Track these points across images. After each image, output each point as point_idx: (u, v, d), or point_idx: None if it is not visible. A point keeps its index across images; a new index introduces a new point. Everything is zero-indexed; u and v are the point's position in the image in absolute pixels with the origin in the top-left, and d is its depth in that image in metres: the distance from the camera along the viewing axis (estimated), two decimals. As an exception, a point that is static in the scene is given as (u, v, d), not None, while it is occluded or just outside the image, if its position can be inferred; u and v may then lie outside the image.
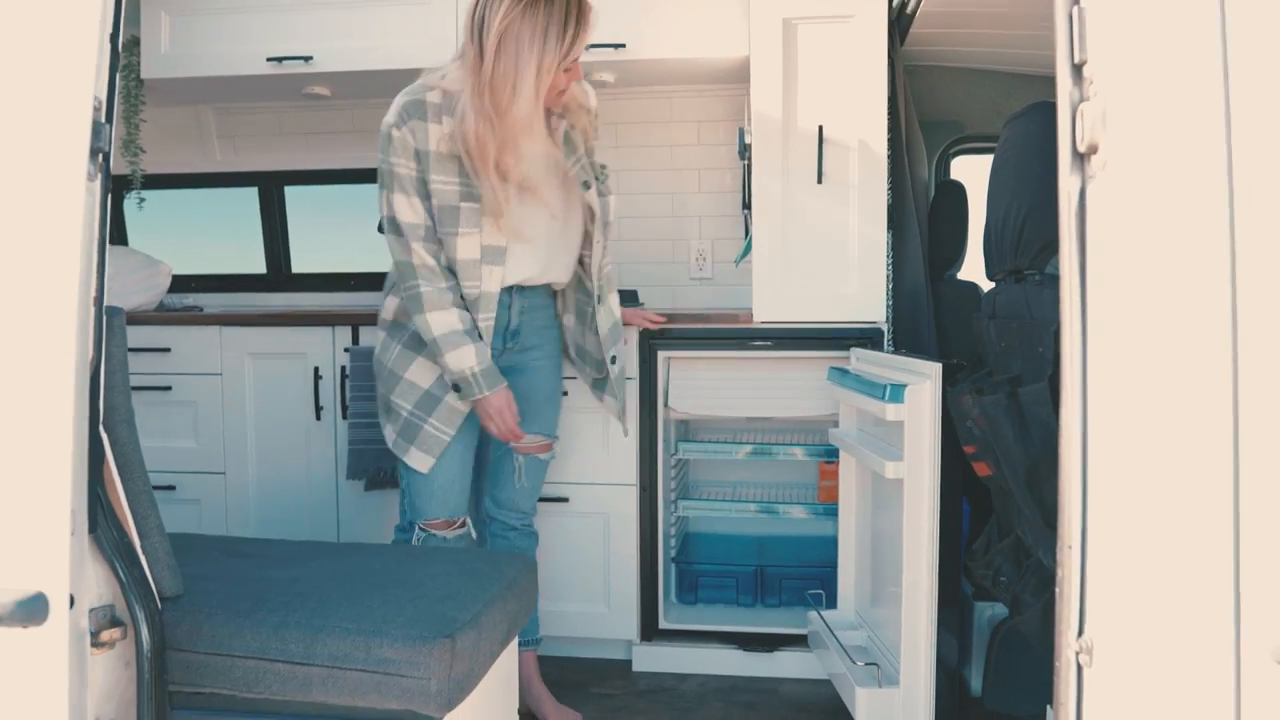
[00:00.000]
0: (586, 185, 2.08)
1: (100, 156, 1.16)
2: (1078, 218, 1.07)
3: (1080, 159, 1.07)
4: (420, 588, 1.41)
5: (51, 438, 1.09)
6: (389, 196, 1.97)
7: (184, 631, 1.33)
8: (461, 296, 2.02)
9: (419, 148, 1.94)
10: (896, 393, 1.90)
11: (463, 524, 2.13)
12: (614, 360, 2.24)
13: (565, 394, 2.53)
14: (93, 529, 1.23)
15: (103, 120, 1.16)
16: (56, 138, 1.11)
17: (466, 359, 1.98)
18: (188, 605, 1.35)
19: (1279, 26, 0.99)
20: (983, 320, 1.73)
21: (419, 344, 2.05)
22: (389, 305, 2.12)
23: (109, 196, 1.20)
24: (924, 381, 1.88)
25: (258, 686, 1.31)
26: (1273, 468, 0.98)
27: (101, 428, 1.27)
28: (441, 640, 1.27)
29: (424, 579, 1.45)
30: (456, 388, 2.02)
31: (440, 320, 1.97)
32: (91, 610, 1.23)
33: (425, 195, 1.96)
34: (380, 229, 2.07)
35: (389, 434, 2.11)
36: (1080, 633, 1.06)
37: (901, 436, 1.92)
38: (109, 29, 1.16)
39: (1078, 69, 1.06)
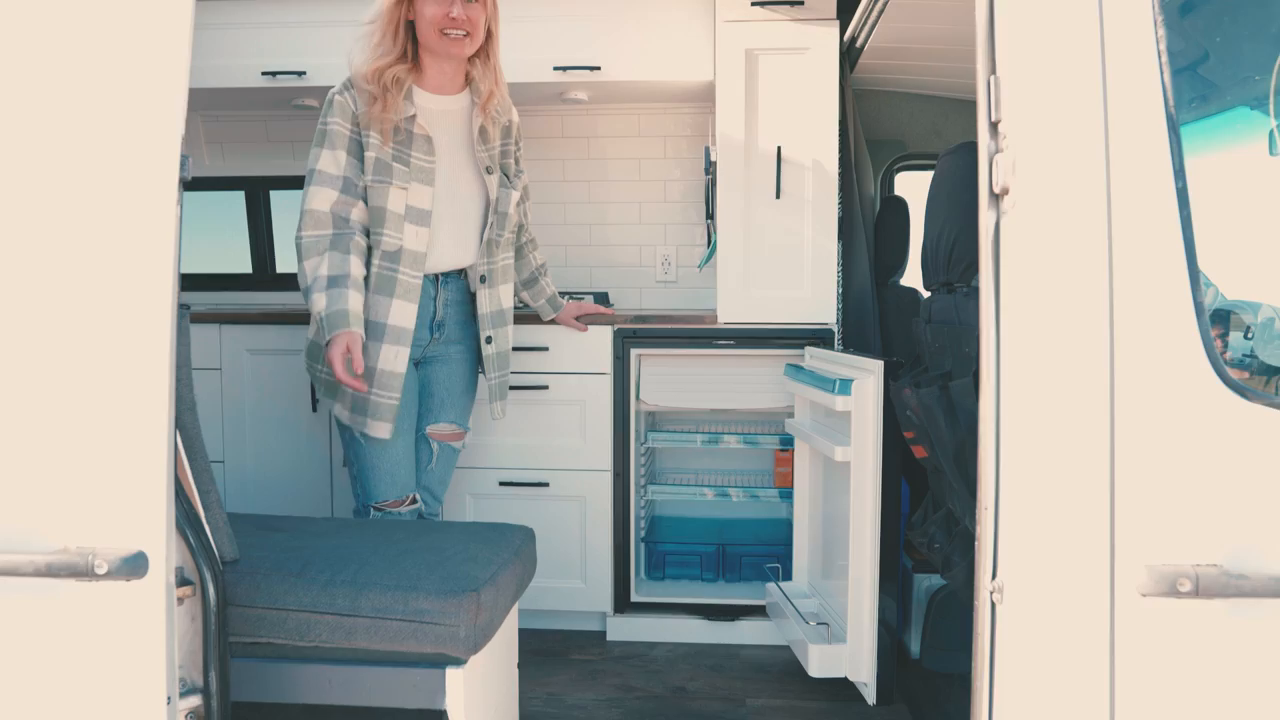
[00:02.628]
0: (489, 170, 2.30)
1: (182, 185, 1.37)
2: (993, 245, 1.33)
3: (996, 198, 1.33)
4: (444, 552, 1.64)
5: (151, 420, 1.30)
6: (315, 151, 2.19)
7: (243, 590, 1.54)
8: (371, 249, 2.19)
9: (356, 112, 2.17)
10: (845, 386, 2.18)
11: (413, 500, 2.31)
12: (489, 341, 2.38)
13: (546, 388, 2.77)
14: (170, 501, 1.43)
15: (185, 153, 1.36)
16: (155, 170, 1.32)
17: (318, 304, 2.12)
18: (245, 568, 1.56)
19: (1147, 104, 1.28)
20: (920, 324, 2.01)
21: None
22: None
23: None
24: (868, 377, 2.16)
25: (309, 636, 1.52)
26: (1138, 442, 1.26)
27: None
28: (469, 594, 1.50)
29: (446, 545, 1.68)
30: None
31: (310, 266, 2.14)
32: (170, 570, 1.43)
33: (356, 155, 2.18)
34: None
35: (340, 411, 2.24)
36: (994, 576, 1.33)
37: (849, 425, 2.20)
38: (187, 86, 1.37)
39: (994, 126, 1.33)
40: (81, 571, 1.27)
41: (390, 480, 2.26)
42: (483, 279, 2.35)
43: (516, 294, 2.62)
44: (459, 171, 2.29)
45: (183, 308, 1.37)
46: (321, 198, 2.17)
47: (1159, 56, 1.30)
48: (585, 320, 2.75)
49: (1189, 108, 1.39)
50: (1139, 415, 1.27)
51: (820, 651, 2.22)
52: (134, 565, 1.28)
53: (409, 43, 2.23)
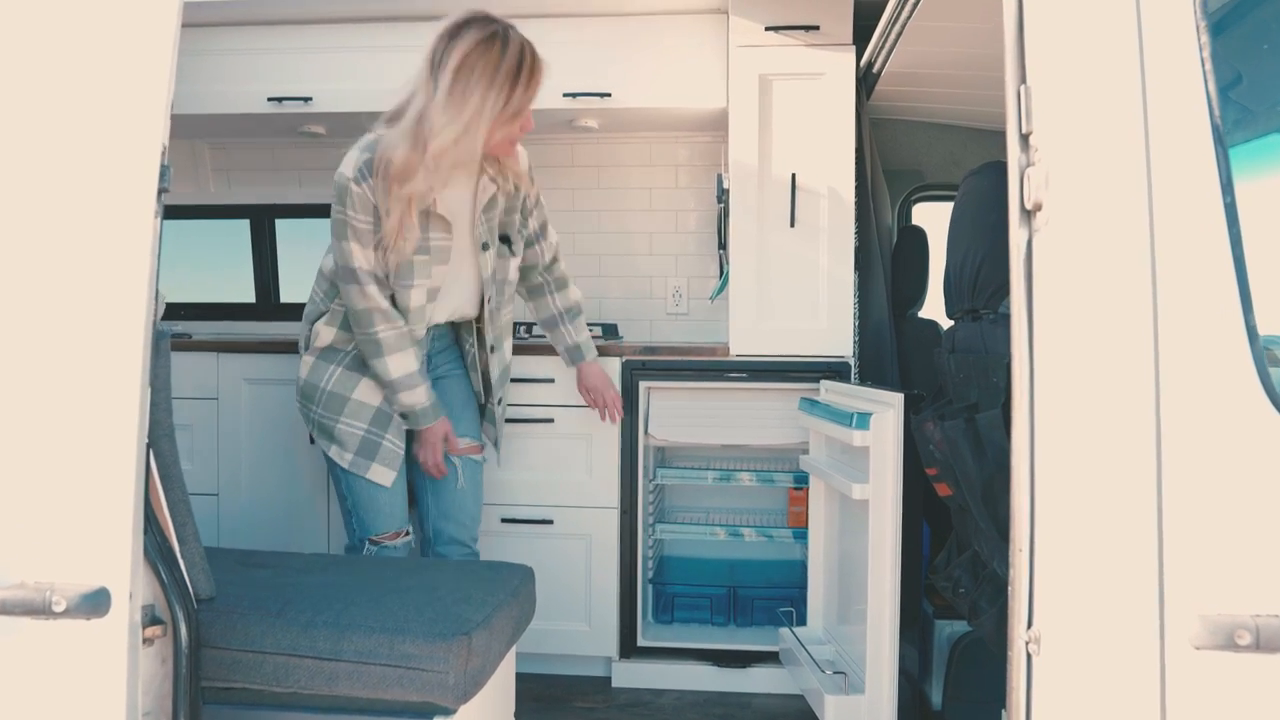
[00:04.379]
0: (485, 247, 2.20)
1: (162, 195, 1.29)
2: (1025, 266, 1.24)
3: (1027, 215, 1.24)
4: (435, 592, 1.54)
5: (118, 446, 1.21)
6: (345, 245, 2.07)
7: (218, 630, 1.43)
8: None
9: (377, 205, 2.04)
10: (863, 420, 2.07)
11: (407, 533, 2.28)
12: (500, 401, 2.39)
13: (551, 421, 2.67)
14: (141, 533, 1.34)
15: (166, 163, 1.29)
16: (132, 180, 1.24)
17: (419, 396, 2.17)
18: (221, 606, 1.46)
19: (1190, 112, 1.19)
20: (943, 354, 1.91)
21: (360, 366, 2.19)
22: (321, 333, 2.22)
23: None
24: (888, 410, 2.05)
25: (286, 681, 1.41)
26: (1189, 479, 1.15)
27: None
28: (459, 638, 1.39)
29: (438, 584, 1.58)
30: (403, 415, 2.20)
31: (398, 363, 2.14)
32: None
33: (380, 247, 2.08)
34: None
35: (342, 456, 2.19)
36: (1030, 625, 1.21)
37: (867, 462, 2.09)
38: (172, 90, 1.30)
39: (1025, 138, 1.24)
40: (38, 609, 1.18)
41: (390, 513, 2.23)
42: (491, 348, 2.32)
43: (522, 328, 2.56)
44: (465, 245, 2.21)
45: (181, 335, 1.31)
46: (376, 294, 2.10)
47: (1202, 64, 1.22)
48: (593, 394, 2.57)
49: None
50: (1189, 449, 1.16)
51: (836, 702, 2.09)
52: (95, 602, 1.18)
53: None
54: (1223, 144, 1.20)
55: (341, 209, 2.06)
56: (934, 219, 3.10)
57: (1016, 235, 1.24)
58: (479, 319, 2.29)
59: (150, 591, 1.37)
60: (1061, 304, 1.20)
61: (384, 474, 2.20)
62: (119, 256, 1.23)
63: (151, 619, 1.37)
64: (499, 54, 1.96)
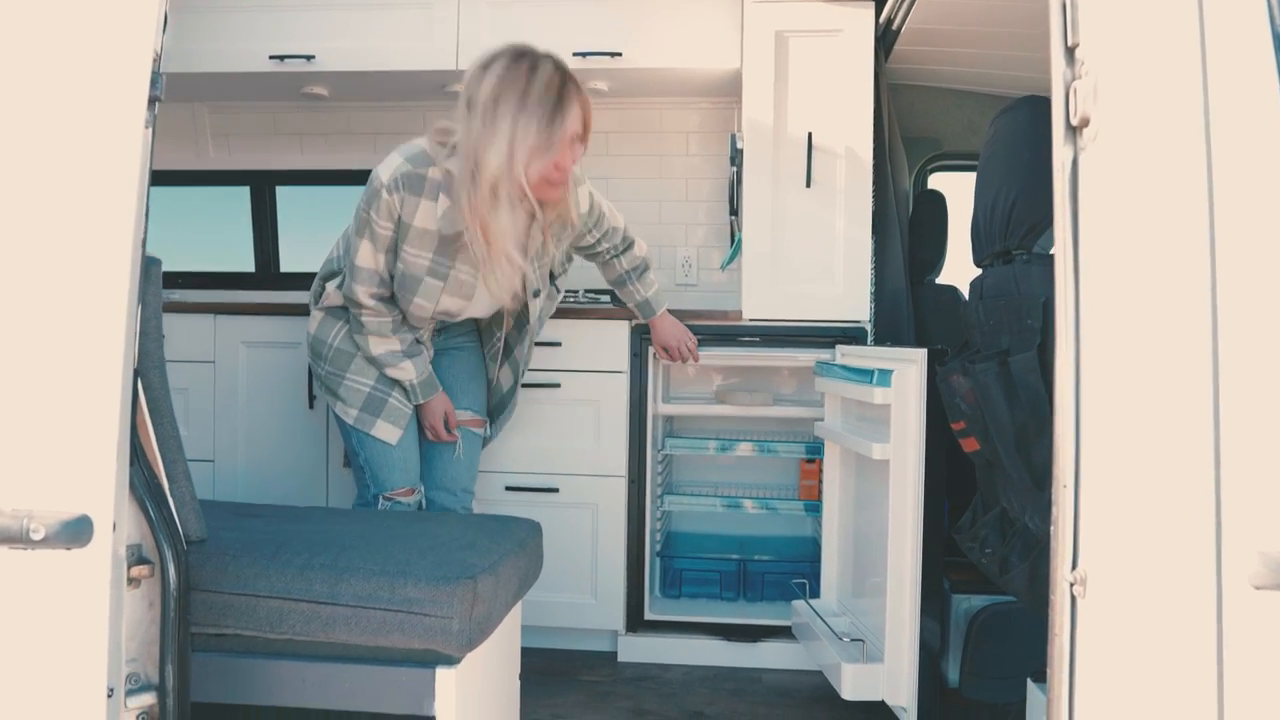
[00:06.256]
0: (536, 294, 2.19)
1: (155, 105, 1.22)
2: (1070, 185, 1.16)
3: (1073, 131, 1.16)
4: (439, 538, 1.46)
5: (103, 365, 1.13)
6: (358, 242, 2.03)
7: (209, 572, 1.36)
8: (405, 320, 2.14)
9: (403, 217, 1.98)
10: (884, 377, 2.00)
11: (418, 490, 2.25)
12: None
13: (558, 386, 2.59)
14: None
15: (159, 71, 1.22)
16: (122, 86, 1.17)
17: (406, 373, 2.15)
18: (212, 549, 1.38)
19: (1251, 13, 1.11)
20: (971, 304, 1.84)
21: None
22: (331, 294, 2.17)
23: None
24: (910, 366, 1.97)
25: (281, 627, 1.34)
26: (1249, 407, 1.07)
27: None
28: (464, 581, 1.32)
29: (441, 532, 1.50)
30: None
31: (378, 344, 2.12)
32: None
33: (393, 253, 2.03)
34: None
35: (347, 411, 2.17)
36: (1074, 566, 1.13)
37: (888, 422, 2.01)
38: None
39: (1070, 51, 1.16)
40: (15, 537, 1.10)
41: (404, 468, 2.19)
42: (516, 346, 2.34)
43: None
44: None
45: (150, 259, 1.23)
46: (368, 291, 2.07)
47: (1261, -36, 1.14)
48: (670, 351, 2.52)
49: None
50: (1248, 375, 1.08)
51: (855, 671, 2.01)
52: (75, 531, 1.10)
53: None
54: (1284, 51, 1.12)
55: (367, 210, 2.00)
56: (952, 187, 3.02)
57: (1061, 153, 1.16)
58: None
59: (137, 530, 1.30)
60: (1110, 222, 1.12)
61: (390, 431, 2.15)
62: (106, 165, 1.16)
63: (138, 559, 1.30)
64: (526, 80, 1.88)
